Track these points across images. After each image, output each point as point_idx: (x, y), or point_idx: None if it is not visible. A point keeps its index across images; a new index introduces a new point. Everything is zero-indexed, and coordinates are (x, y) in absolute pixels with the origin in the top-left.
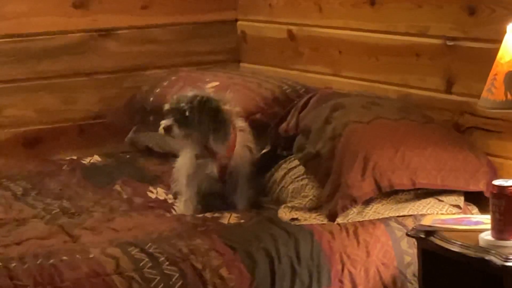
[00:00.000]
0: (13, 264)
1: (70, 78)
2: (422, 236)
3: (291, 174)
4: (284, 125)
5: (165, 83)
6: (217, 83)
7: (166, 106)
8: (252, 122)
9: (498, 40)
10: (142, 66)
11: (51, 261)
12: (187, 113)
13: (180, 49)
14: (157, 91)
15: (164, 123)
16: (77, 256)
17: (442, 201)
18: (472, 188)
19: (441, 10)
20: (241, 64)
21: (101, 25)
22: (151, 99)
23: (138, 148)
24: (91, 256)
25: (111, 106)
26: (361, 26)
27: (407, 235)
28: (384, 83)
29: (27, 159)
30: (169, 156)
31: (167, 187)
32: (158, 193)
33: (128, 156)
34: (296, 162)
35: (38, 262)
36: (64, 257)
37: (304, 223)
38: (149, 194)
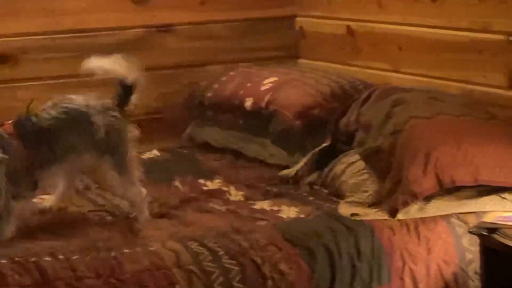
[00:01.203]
0: (75, 257)
1: None
2: (485, 233)
3: (351, 168)
4: (344, 119)
5: (223, 79)
6: (275, 79)
7: None
8: (310, 118)
9: None
10: (201, 62)
11: (112, 253)
12: None
13: (238, 45)
14: (215, 86)
15: None
16: (138, 249)
17: (505, 198)
18: None
19: (504, 5)
20: (300, 60)
21: (160, 21)
22: (209, 94)
23: (196, 143)
24: (151, 249)
25: (169, 101)
26: (421, 21)
27: (470, 232)
28: (445, 79)
29: None
30: (227, 151)
31: (225, 182)
32: (215, 187)
33: (186, 151)
34: (356, 156)
35: (99, 254)
36: (125, 250)
37: (364, 218)
38: (206, 189)
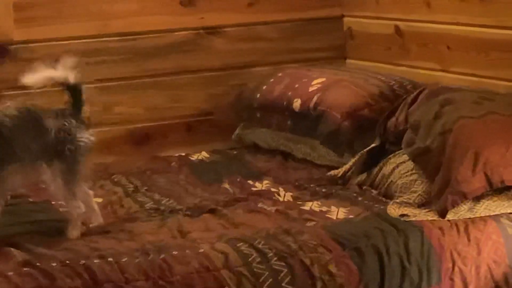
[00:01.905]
0: (124, 259)
1: (178, 75)
2: None
3: (400, 169)
4: (393, 120)
5: (271, 80)
6: (323, 79)
7: None
8: (359, 118)
9: None
10: (249, 63)
11: (162, 255)
12: None
13: (286, 46)
14: (264, 88)
15: None
16: (187, 251)
17: None
18: None
19: None
20: (348, 61)
21: (208, 23)
22: (258, 96)
23: (245, 145)
24: (200, 251)
25: (218, 103)
26: (470, 21)
27: None
28: (494, 78)
29: (136, 155)
30: (276, 153)
31: (274, 183)
32: (264, 188)
33: (235, 152)
34: (405, 157)
35: (149, 257)
36: (174, 252)
37: (413, 219)
38: (255, 190)
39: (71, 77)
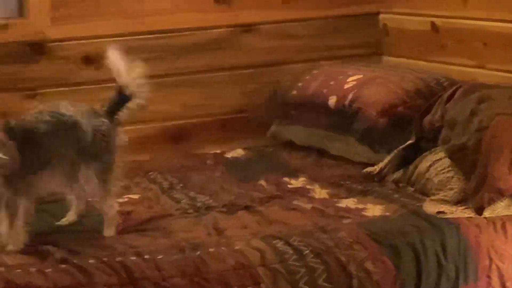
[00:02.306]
0: (160, 256)
1: (212, 73)
2: None
3: (436, 166)
4: (429, 117)
5: (307, 77)
6: (359, 77)
7: None
8: (394, 115)
9: None
10: (283, 60)
11: (197, 253)
12: None
13: (321, 43)
14: (299, 85)
15: None
16: (223, 248)
17: None
18: None
19: None
20: (383, 57)
21: (242, 20)
22: (293, 93)
23: (280, 142)
24: (236, 248)
25: (252, 100)
26: (506, 17)
27: None
28: None
29: (172, 153)
30: (311, 150)
31: (309, 180)
32: (299, 185)
33: (270, 150)
34: (441, 154)
35: (185, 254)
36: (210, 249)
37: (450, 216)
38: (291, 187)
39: (132, 87)
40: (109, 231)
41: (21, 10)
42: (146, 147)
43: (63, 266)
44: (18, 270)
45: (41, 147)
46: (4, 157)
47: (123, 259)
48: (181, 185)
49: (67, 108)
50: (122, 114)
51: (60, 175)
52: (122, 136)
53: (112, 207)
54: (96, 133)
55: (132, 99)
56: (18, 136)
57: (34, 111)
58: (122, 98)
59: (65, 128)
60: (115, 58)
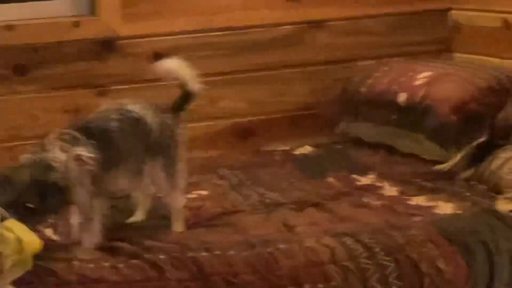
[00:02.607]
0: (231, 252)
1: (282, 70)
2: None
3: (509, 164)
4: (502, 114)
5: (377, 74)
6: (430, 73)
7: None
8: (466, 112)
9: None
10: (353, 57)
11: (268, 249)
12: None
13: (392, 39)
14: (369, 81)
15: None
16: (293, 245)
17: None
18: None
19: None
20: (454, 54)
21: (312, 17)
22: (363, 89)
23: (349, 139)
24: (307, 245)
25: (321, 97)
26: None
27: None
28: None
29: (240, 149)
30: (380, 147)
31: (379, 177)
32: (369, 182)
33: (339, 146)
34: None
35: (255, 250)
36: (281, 246)
37: None
38: (360, 184)
39: (196, 85)
40: (177, 226)
41: (92, 9)
42: (215, 143)
43: (135, 261)
44: (91, 265)
45: (114, 145)
46: (92, 155)
47: (194, 254)
48: (250, 181)
49: (133, 105)
50: (186, 112)
51: (130, 172)
52: (186, 131)
53: (179, 201)
54: (161, 128)
55: (194, 98)
56: (95, 135)
57: (101, 109)
58: (187, 97)
59: (133, 124)
60: (174, 64)
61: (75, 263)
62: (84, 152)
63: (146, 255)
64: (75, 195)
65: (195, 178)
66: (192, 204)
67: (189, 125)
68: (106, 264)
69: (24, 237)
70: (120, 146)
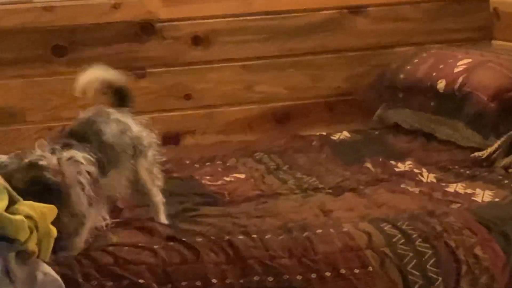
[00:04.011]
0: (268, 236)
1: (320, 55)
2: None
3: None
4: None
5: (415, 60)
6: (469, 60)
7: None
8: (505, 100)
9: None
10: (391, 43)
11: (305, 234)
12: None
13: (430, 26)
14: (408, 68)
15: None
16: (331, 230)
17: None
18: None
19: None
20: (494, 42)
21: (351, 2)
22: (402, 76)
23: (387, 125)
24: (344, 230)
25: (359, 83)
26: None
27: None
28: None
29: (277, 134)
30: (418, 133)
31: (417, 164)
32: (407, 169)
33: (376, 132)
34: None
35: (292, 235)
36: (318, 231)
37: None
38: (398, 170)
39: (118, 79)
40: (162, 218)
41: None
42: (252, 128)
43: (171, 243)
44: (127, 247)
45: (108, 147)
46: (88, 156)
47: (230, 237)
48: (287, 166)
49: (110, 108)
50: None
51: (124, 175)
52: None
53: (160, 197)
54: (138, 130)
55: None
56: (87, 139)
57: (81, 115)
58: (120, 92)
59: (118, 127)
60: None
61: (110, 246)
62: (79, 154)
63: (183, 238)
64: (72, 197)
65: (232, 161)
66: (229, 187)
67: (227, 109)
68: (142, 246)
69: (33, 211)
70: (114, 148)
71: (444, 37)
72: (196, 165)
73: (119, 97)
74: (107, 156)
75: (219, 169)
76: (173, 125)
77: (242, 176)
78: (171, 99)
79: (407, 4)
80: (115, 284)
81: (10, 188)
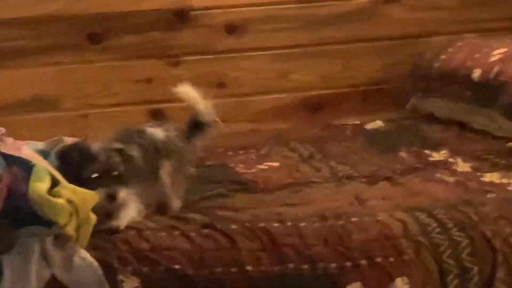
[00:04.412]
0: (303, 224)
1: (353, 44)
2: None
3: None
4: None
5: (450, 50)
6: (505, 50)
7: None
8: None
9: None
10: (426, 32)
11: (340, 222)
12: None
13: (465, 15)
14: (442, 57)
15: (107, 192)
16: (366, 218)
17: None
18: None
19: None
20: None
21: None
22: (436, 65)
23: (420, 114)
24: (379, 218)
25: (393, 72)
26: None
27: None
28: None
29: (311, 123)
30: (452, 123)
31: (451, 153)
32: (441, 158)
33: (410, 122)
34: None
35: (327, 223)
36: (353, 219)
37: None
38: (432, 160)
39: (208, 117)
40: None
41: None
42: (285, 116)
43: (206, 230)
44: (163, 233)
45: (150, 154)
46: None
47: (266, 225)
48: (320, 154)
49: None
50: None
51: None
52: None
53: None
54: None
55: (206, 127)
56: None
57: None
58: (196, 125)
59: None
60: (187, 91)
61: (146, 232)
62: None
63: (218, 225)
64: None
65: (266, 150)
66: (262, 175)
67: (260, 97)
68: (177, 232)
69: (75, 196)
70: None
71: (480, 26)
72: (230, 153)
73: (193, 129)
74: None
75: (253, 157)
76: None
77: (276, 164)
78: (204, 87)
79: None
80: (150, 269)
81: (53, 171)
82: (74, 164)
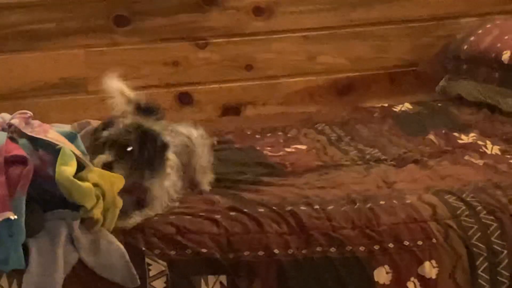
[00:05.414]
0: (331, 207)
1: (383, 26)
2: None
3: None
4: None
5: (480, 31)
6: None
7: (103, 139)
8: None
9: None
10: (456, 14)
11: (368, 205)
12: (128, 148)
13: None
14: (472, 39)
15: (103, 158)
16: (394, 201)
17: None
18: None
19: None
20: None
21: None
22: (465, 47)
23: (450, 97)
24: (407, 201)
25: (423, 54)
26: None
27: None
28: None
29: (339, 105)
30: (482, 105)
31: (480, 136)
32: (470, 141)
33: (439, 104)
34: None
35: (355, 206)
36: (381, 202)
37: None
38: (461, 142)
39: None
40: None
41: None
42: (314, 98)
43: (233, 213)
44: (189, 217)
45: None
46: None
47: (293, 208)
48: (349, 137)
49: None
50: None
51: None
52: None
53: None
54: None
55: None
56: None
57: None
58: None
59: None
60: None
61: (171, 216)
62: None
63: (245, 208)
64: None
65: (293, 132)
66: (290, 158)
67: (288, 80)
68: (205, 216)
69: (102, 180)
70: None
71: (510, 8)
72: (257, 136)
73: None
74: None
75: (281, 140)
76: (234, 95)
77: (304, 147)
78: (233, 69)
79: None
80: (178, 253)
81: (80, 155)
82: (153, 136)
